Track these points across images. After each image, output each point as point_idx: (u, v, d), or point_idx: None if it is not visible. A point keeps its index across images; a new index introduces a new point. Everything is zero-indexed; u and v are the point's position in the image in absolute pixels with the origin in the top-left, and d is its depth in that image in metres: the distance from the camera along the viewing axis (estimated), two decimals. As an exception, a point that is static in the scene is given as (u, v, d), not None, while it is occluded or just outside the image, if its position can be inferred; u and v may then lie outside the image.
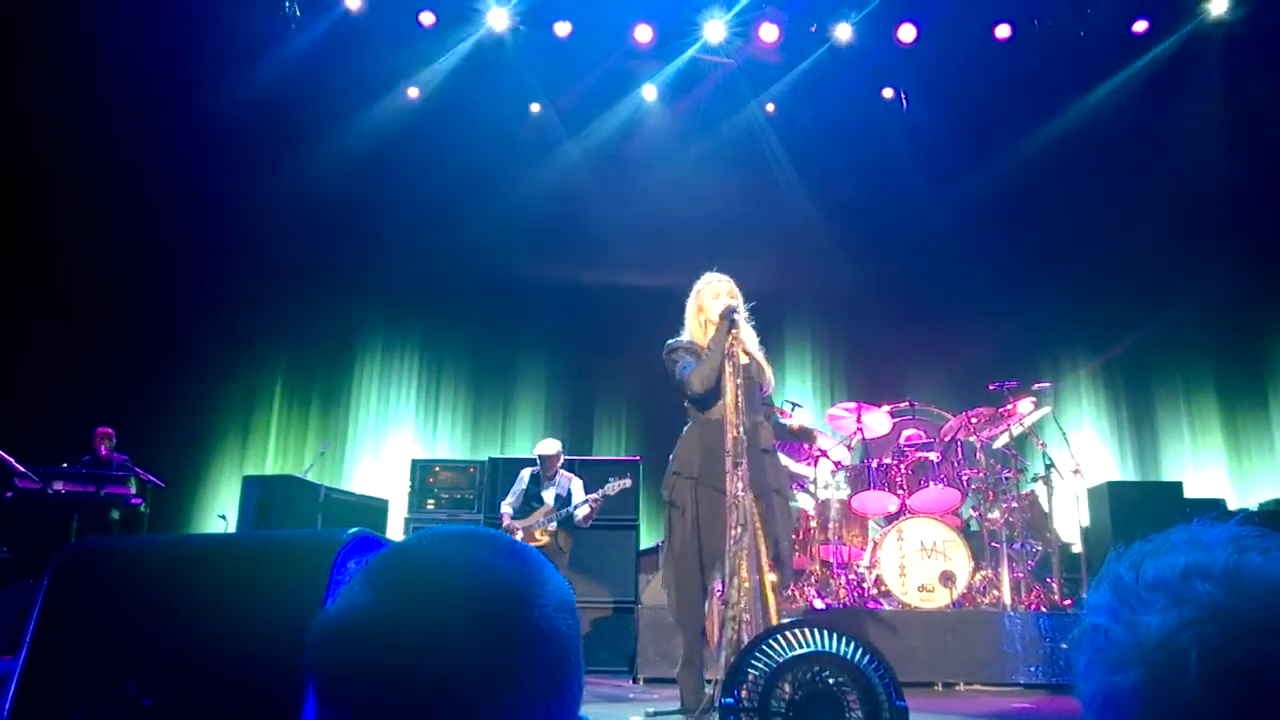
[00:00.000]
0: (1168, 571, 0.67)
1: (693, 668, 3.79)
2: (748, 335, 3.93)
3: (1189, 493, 7.19)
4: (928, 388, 8.19)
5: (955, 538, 5.72)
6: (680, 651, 3.89)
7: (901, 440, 6.64)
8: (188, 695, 1.42)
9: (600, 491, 6.42)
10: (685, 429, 3.99)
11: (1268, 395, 9.23)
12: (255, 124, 9.00)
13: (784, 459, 5.01)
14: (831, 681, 2.53)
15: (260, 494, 7.18)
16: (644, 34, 9.17)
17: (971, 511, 6.39)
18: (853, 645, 2.56)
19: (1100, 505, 6.90)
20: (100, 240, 8.68)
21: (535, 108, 9.82)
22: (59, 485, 6.85)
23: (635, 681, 5.63)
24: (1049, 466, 6.27)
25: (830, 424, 6.66)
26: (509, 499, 6.71)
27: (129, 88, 8.57)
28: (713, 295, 3.99)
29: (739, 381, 3.66)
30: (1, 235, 8.48)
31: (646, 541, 7.51)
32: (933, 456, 6.17)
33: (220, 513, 8.35)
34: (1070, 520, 6.68)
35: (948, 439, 6.48)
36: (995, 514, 6.05)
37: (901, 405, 6.67)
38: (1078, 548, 6.85)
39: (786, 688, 2.53)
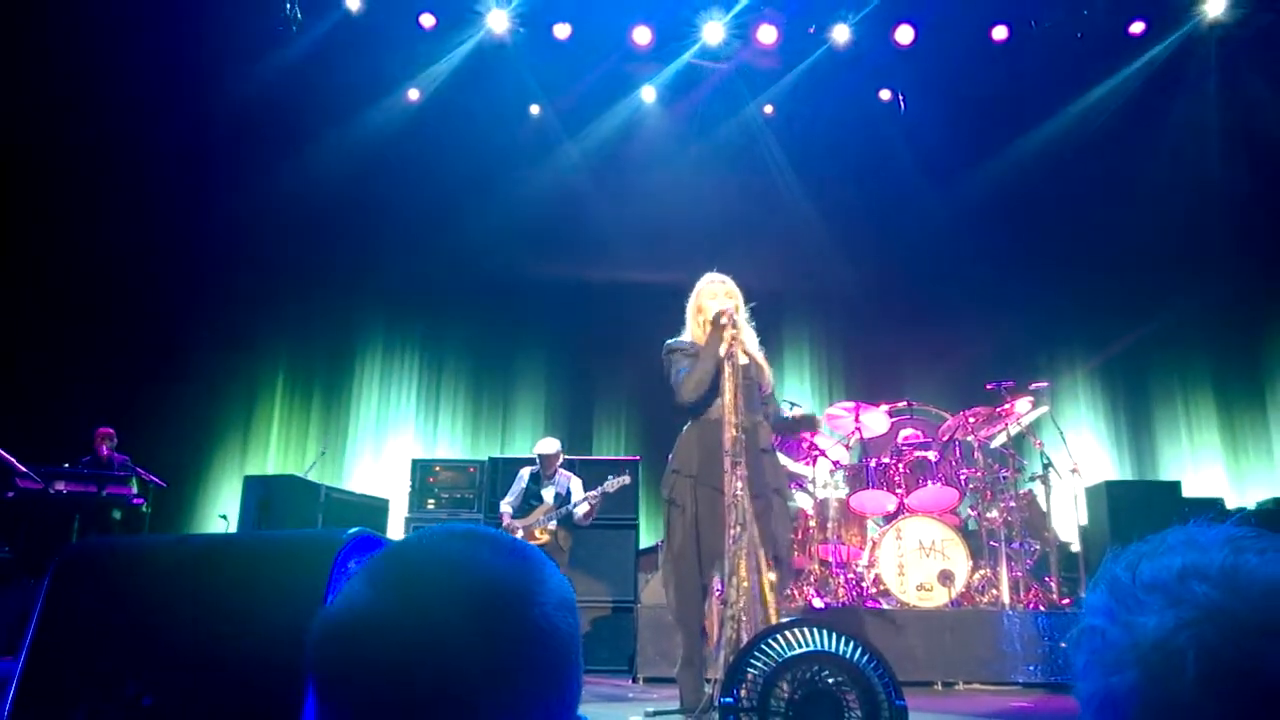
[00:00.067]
0: (1164, 572, 0.67)
1: (692, 667, 3.78)
2: (748, 335, 3.91)
3: (1187, 492, 7.23)
4: (926, 387, 8.19)
5: (954, 537, 5.73)
6: (679, 651, 3.88)
7: (900, 440, 6.64)
8: (188, 695, 1.42)
9: (599, 488, 6.42)
10: (684, 428, 3.98)
11: (1265, 394, 9.25)
12: (256, 124, 9.02)
13: (782, 458, 5.00)
14: (831, 681, 2.53)
15: (261, 494, 7.21)
16: (643, 36, 9.18)
17: (970, 511, 6.40)
18: (852, 644, 2.56)
19: (1098, 504, 6.92)
20: (100, 240, 8.67)
21: (535, 109, 9.82)
22: (61, 485, 6.85)
23: (635, 681, 5.63)
24: (1047, 466, 6.28)
25: (829, 423, 6.66)
26: (509, 498, 6.71)
27: (129, 88, 8.57)
28: (711, 296, 3.97)
29: (738, 382, 3.65)
30: (1, 235, 8.48)
31: (646, 540, 7.51)
32: (931, 456, 6.17)
33: (221, 512, 8.36)
34: (1068, 519, 6.69)
35: (946, 438, 6.49)
36: (993, 513, 6.06)
37: (900, 405, 6.69)
38: (1076, 547, 6.85)
39: (785, 687, 2.53)
